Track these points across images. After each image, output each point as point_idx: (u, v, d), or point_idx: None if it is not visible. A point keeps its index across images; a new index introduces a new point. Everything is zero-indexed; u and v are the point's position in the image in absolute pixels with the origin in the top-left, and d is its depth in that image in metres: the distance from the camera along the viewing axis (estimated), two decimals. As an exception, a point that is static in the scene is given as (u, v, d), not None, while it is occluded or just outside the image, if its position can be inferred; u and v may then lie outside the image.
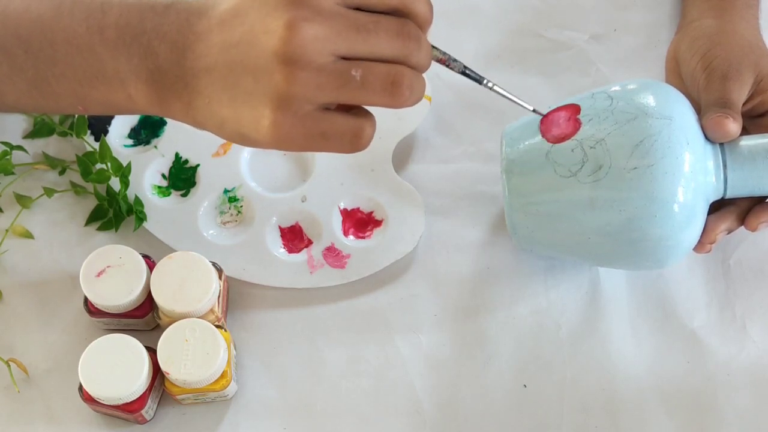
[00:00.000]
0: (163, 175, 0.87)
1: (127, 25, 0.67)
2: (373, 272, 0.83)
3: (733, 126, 0.75)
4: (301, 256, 0.84)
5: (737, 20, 0.83)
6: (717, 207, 0.78)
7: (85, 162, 0.83)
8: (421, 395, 0.81)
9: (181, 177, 0.87)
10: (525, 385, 0.81)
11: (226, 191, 0.86)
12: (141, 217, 0.84)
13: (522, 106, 0.73)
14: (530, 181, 0.76)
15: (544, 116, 0.76)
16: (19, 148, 0.85)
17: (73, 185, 0.85)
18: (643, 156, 0.72)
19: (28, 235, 0.84)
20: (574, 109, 0.76)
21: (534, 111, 0.75)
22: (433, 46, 0.67)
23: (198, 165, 0.86)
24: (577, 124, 0.75)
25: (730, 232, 0.78)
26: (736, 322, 0.83)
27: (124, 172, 0.83)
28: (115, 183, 0.84)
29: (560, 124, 0.75)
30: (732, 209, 0.78)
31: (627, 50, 0.93)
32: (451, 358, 0.82)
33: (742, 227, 0.78)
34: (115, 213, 0.84)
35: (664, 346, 0.83)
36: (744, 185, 0.76)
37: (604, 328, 0.83)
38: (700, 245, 0.77)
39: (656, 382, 0.81)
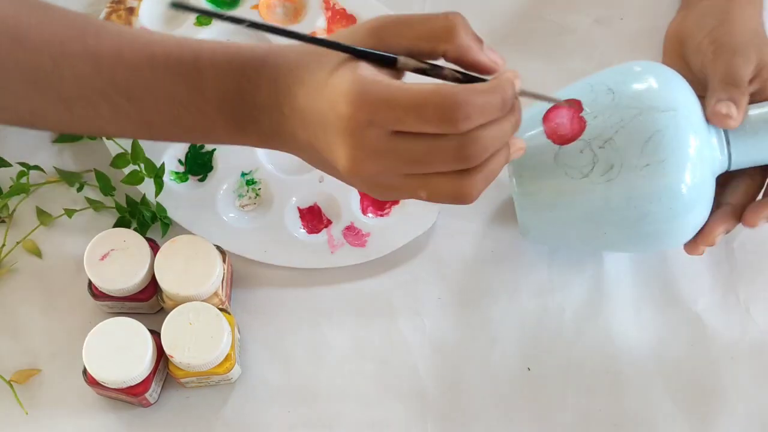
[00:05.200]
0: (180, 161, 0.85)
1: (226, 90, 0.68)
2: (393, 249, 0.83)
3: (735, 120, 0.73)
4: (321, 237, 0.83)
5: (745, 3, 0.81)
6: (716, 205, 0.76)
7: (104, 177, 0.82)
8: (425, 378, 0.80)
9: (198, 162, 0.85)
10: (529, 368, 0.80)
11: (243, 174, 0.85)
12: (166, 223, 0.82)
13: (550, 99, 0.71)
14: (542, 185, 0.74)
15: (546, 114, 0.74)
16: (37, 168, 0.83)
17: (91, 202, 0.83)
18: (654, 152, 0.71)
19: (37, 253, 0.82)
20: (577, 107, 0.74)
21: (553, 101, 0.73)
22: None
23: (214, 149, 0.85)
24: (582, 123, 0.73)
25: (728, 232, 0.77)
26: (739, 305, 0.82)
27: (158, 173, 0.81)
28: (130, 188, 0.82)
29: (565, 124, 0.73)
30: (728, 209, 0.76)
31: (631, 34, 0.91)
32: (455, 342, 0.81)
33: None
34: (139, 222, 0.82)
35: (668, 329, 0.82)
36: (747, 155, 0.75)
37: (607, 312, 0.82)
38: (696, 247, 0.76)
39: (660, 365, 0.81)
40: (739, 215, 0.76)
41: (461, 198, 0.64)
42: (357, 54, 0.63)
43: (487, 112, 0.61)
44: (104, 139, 0.83)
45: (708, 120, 0.74)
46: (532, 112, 0.75)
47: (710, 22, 0.80)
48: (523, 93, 0.64)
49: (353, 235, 0.83)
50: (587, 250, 0.83)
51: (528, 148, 0.73)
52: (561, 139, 0.73)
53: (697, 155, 0.72)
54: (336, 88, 0.62)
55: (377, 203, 0.85)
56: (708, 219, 0.75)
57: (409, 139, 0.62)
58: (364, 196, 0.84)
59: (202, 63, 0.69)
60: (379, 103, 0.61)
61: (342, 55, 0.64)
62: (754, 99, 0.77)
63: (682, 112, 0.72)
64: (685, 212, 0.73)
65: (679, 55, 0.83)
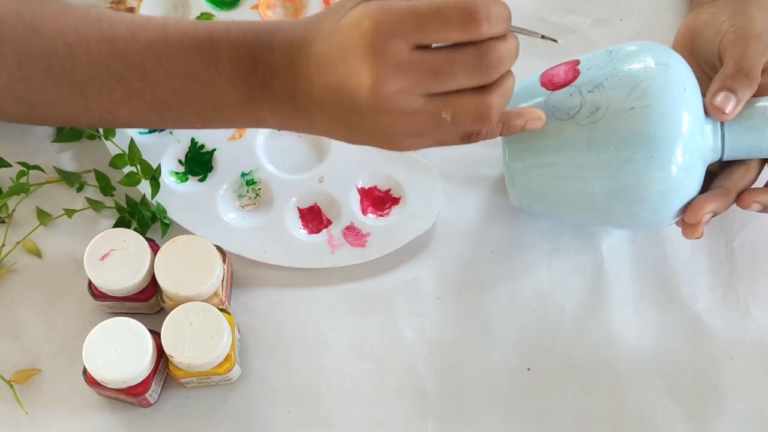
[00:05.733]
0: (180, 161, 0.85)
1: (239, 59, 0.70)
2: (393, 249, 0.82)
3: (729, 116, 0.74)
4: (321, 237, 0.83)
5: (759, 1, 0.81)
6: (706, 186, 0.77)
7: (104, 177, 0.82)
8: (425, 378, 0.79)
9: (198, 162, 0.85)
10: (529, 368, 0.80)
11: (243, 174, 0.84)
12: (166, 223, 0.82)
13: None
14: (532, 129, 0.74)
15: (544, 72, 0.76)
16: (37, 168, 0.83)
17: (91, 202, 0.82)
18: (640, 97, 0.72)
19: (37, 253, 0.81)
20: (574, 62, 0.76)
21: (543, 37, 0.73)
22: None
23: (214, 149, 0.85)
24: (576, 73, 0.75)
25: (716, 214, 0.76)
26: (739, 305, 0.82)
27: (154, 175, 0.81)
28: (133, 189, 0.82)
29: (560, 74, 0.75)
30: (719, 191, 0.76)
31: (631, 34, 0.91)
32: (454, 341, 0.80)
33: (740, 210, 0.77)
34: (139, 222, 0.82)
35: (668, 329, 0.81)
36: (741, 147, 0.75)
37: (607, 311, 0.81)
38: (689, 227, 0.76)
39: (660, 365, 0.80)
40: (731, 198, 0.76)
41: (483, 115, 0.66)
42: None
43: (500, 18, 0.64)
44: (103, 138, 0.83)
45: (705, 106, 0.74)
46: (530, 78, 0.77)
47: (728, 13, 0.80)
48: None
49: (353, 235, 0.82)
50: (571, 217, 0.81)
51: (521, 94, 0.75)
52: (554, 86, 0.75)
53: (689, 134, 0.72)
54: (355, 14, 0.65)
55: (377, 203, 0.84)
56: (699, 196, 0.75)
57: (431, 51, 0.64)
58: (364, 196, 0.84)
59: (215, 36, 0.70)
60: (401, 13, 0.63)
61: (353, 1, 0.66)
62: (758, 92, 0.77)
63: (674, 69, 0.73)
64: (669, 185, 0.72)
65: (689, 51, 0.82)
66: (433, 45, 0.65)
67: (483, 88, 0.66)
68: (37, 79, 0.72)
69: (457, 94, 0.66)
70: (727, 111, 0.73)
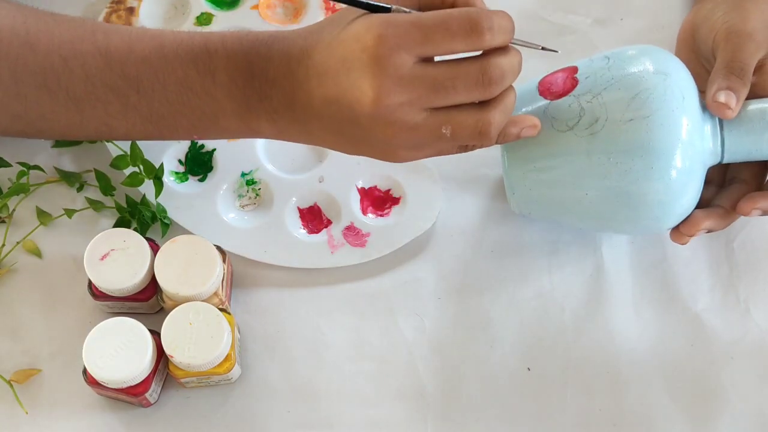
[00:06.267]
0: (180, 161, 0.85)
1: (236, 68, 0.70)
2: (393, 249, 0.82)
3: (733, 111, 0.73)
4: (321, 237, 0.83)
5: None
6: (707, 201, 0.77)
7: (104, 177, 0.82)
8: (425, 378, 0.79)
9: (198, 162, 0.85)
10: (529, 368, 0.80)
11: (243, 174, 0.84)
12: (166, 223, 0.81)
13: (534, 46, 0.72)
14: (528, 138, 0.74)
15: (542, 79, 0.76)
16: (37, 167, 0.82)
17: (91, 202, 0.82)
18: (639, 108, 0.72)
19: (37, 253, 0.81)
20: (572, 69, 0.76)
21: (543, 48, 0.73)
22: None
23: (214, 149, 0.85)
24: (574, 82, 0.75)
25: (710, 231, 0.76)
26: (739, 305, 0.82)
27: (157, 174, 0.81)
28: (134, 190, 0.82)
29: (558, 83, 0.75)
30: (719, 212, 0.76)
31: (631, 34, 0.91)
32: (454, 342, 0.80)
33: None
34: (139, 222, 0.81)
35: (668, 329, 0.81)
36: (741, 149, 0.75)
37: (608, 312, 0.81)
38: (680, 236, 0.76)
39: (660, 365, 0.80)
40: (729, 219, 0.76)
41: (482, 131, 0.67)
42: (354, 4, 0.66)
43: (503, 30, 0.65)
44: (104, 141, 0.83)
45: (707, 106, 0.74)
46: (528, 83, 0.76)
47: (725, 8, 0.80)
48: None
49: (353, 235, 0.82)
50: (571, 224, 0.81)
51: (518, 103, 0.74)
52: (553, 95, 0.75)
53: (688, 138, 0.72)
54: (357, 27, 0.65)
55: (377, 203, 0.84)
56: (697, 210, 0.75)
57: (434, 66, 0.65)
58: (364, 196, 0.84)
59: (212, 46, 0.70)
60: (406, 26, 0.64)
61: (354, 14, 0.66)
62: (752, 91, 0.77)
63: (673, 78, 0.73)
64: (668, 191, 0.72)
65: (690, 48, 0.82)
66: (436, 59, 0.65)
67: (484, 104, 0.67)
68: (33, 95, 0.71)
69: (458, 109, 0.66)
70: (730, 104, 0.73)
